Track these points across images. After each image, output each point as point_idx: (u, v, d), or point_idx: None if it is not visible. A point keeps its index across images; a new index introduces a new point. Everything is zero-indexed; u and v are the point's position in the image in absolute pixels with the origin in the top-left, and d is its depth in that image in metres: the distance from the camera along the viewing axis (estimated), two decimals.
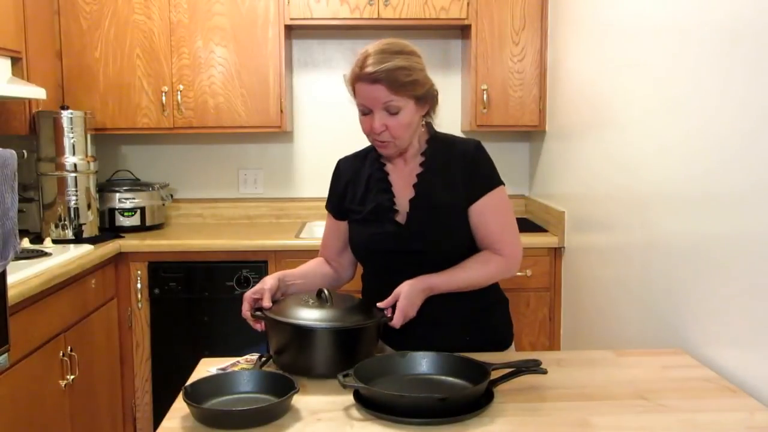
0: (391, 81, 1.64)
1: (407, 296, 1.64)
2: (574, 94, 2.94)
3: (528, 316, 3.15)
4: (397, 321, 1.62)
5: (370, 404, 1.38)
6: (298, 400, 1.40)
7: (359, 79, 1.68)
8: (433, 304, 1.70)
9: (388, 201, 1.78)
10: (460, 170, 1.77)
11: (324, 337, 1.54)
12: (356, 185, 1.86)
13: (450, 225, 1.76)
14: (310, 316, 1.57)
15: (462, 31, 3.53)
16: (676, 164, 1.94)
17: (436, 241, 1.74)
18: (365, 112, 1.71)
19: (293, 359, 1.57)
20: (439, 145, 1.81)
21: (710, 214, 1.74)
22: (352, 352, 1.55)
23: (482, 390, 1.39)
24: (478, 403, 1.38)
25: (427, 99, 1.73)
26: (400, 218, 1.77)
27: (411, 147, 1.79)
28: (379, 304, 1.65)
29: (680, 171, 1.92)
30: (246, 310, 1.68)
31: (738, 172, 1.62)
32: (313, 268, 1.91)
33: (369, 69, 1.65)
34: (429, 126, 1.83)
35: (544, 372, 1.46)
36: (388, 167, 1.82)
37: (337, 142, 3.59)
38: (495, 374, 1.43)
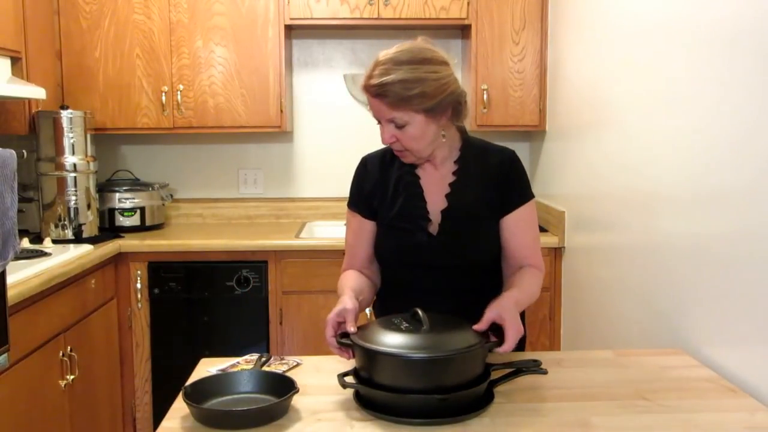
0: (389, 96, 1.56)
1: (512, 314, 1.48)
2: (574, 94, 2.94)
3: (528, 316, 3.12)
4: (510, 345, 1.44)
5: (370, 404, 1.38)
6: (298, 400, 1.40)
7: (365, 90, 1.62)
8: (446, 310, 1.62)
9: (420, 209, 1.71)
10: (495, 181, 1.72)
11: (432, 367, 1.35)
12: (385, 186, 1.77)
13: (481, 236, 1.71)
14: (410, 343, 1.36)
15: (462, 30, 3.53)
16: (677, 164, 1.94)
17: (466, 253, 1.70)
18: (378, 121, 1.65)
19: (392, 385, 1.36)
20: (472, 152, 1.74)
21: (710, 213, 1.74)
22: (460, 379, 1.37)
23: (482, 390, 1.39)
24: (478, 403, 1.38)
25: (442, 109, 1.61)
26: (432, 228, 1.70)
27: (440, 153, 1.71)
28: (475, 327, 1.45)
29: (680, 170, 1.92)
30: (330, 336, 1.48)
31: (738, 171, 1.62)
32: (359, 282, 1.72)
33: (371, 81, 1.59)
34: (462, 130, 1.77)
35: (544, 372, 1.46)
36: (419, 171, 1.74)
37: (337, 142, 3.63)
38: (495, 374, 1.43)
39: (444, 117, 1.64)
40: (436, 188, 1.73)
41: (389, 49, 1.62)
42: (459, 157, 1.74)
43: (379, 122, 1.64)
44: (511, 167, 1.75)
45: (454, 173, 1.73)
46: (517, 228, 1.73)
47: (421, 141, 1.63)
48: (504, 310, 1.49)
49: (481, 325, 1.46)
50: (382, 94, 1.57)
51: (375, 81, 1.57)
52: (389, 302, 1.79)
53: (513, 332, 1.45)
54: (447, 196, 1.71)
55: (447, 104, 1.62)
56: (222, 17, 3.26)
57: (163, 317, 3.11)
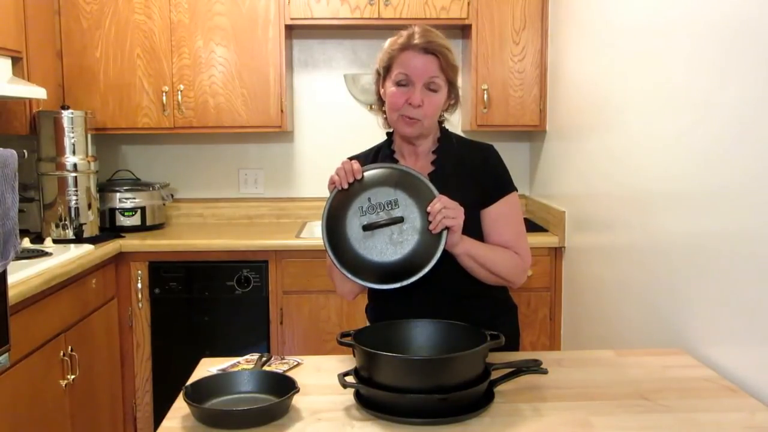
0: (444, 56, 1.65)
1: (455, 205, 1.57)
2: (574, 94, 2.94)
3: (528, 316, 3.15)
4: (433, 206, 1.55)
5: (370, 404, 1.38)
6: (298, 400, 1.40)
7: (408, 48, 1.65)
8: (441, 307, 1.66)
9: None
10: (473, 172, 1.75)
11: (432, 367, 1.37)
12: None
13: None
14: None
15: (462, 30, 3.53)
16: (677, 163, 1.94)
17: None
18: (403, 83, 1.67)
19: (392, 385, 1.38)
20: (450, 144, 1.79)
21: (710, 213, 1.74)
22: (460, 379, 1.37)
23: (482, 390, 1.39)
24: (478, 403, 1.38)
25: (455, 92, 1.73)
26: None
27: (425, 142, 1.76)
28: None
29: (681, 170, 1.92)
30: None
31: (738, 171, 1.62)
32: None
33: (420, 40, 1.64)
34: (441, 126, 1.81)
35: (545, 372, 1.46)
36: (401, 163, 1.77)
37: (337, 142, 3.63)
38: (495, 374, 1.43)
39: (450, 101, 1.73)
40: None
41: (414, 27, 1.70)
42: (437, 148, 1.78)
43: (403, 85, 1.66)
44: (490, 159, 1.77)
45: (433, 163, 1.76)
46: (498, 222, 1.74)
47: (438, 112, 1.71)
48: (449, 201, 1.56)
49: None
50: (439, 53, 1.64)
51: (429, 39, 1.64)
52: (382, 301, 1.81)
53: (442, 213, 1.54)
54: None
55: (458, 90, 1.74)
56: (222, 17, 3.27)
57: (164, 317, 3.11)
